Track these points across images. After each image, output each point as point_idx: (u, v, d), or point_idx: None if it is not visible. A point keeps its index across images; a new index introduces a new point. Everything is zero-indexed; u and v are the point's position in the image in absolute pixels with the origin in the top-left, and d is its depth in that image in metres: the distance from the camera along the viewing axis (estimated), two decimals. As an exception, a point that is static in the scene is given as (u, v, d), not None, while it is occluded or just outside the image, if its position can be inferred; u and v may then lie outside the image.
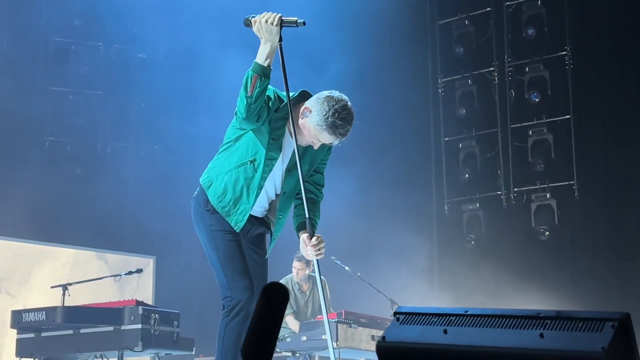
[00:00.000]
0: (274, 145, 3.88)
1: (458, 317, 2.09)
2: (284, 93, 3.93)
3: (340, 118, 3.76)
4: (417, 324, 2.12)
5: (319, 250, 3.92)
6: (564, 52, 9.20)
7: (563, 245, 9.02)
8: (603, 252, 8.74)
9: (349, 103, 3.84)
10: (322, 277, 7.62)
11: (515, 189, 9.41)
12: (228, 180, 3.95)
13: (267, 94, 3.82)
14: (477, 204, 9.62)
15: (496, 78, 9.64)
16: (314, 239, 3.90)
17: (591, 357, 1.90)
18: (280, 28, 3.70)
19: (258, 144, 3.88)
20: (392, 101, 10.01)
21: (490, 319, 2.06)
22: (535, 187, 9.24)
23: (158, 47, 9.80)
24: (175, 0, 9.56)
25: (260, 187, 3.92)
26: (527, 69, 9.38)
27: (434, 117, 10.16)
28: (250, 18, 3.76)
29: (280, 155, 3.92)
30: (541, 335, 1.98)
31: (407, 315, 2.15)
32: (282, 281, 7.74)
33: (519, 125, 9.43)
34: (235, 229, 3.94)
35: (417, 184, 9.98)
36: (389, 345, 2.11)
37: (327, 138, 3.83)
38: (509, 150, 9.50)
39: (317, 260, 3.98)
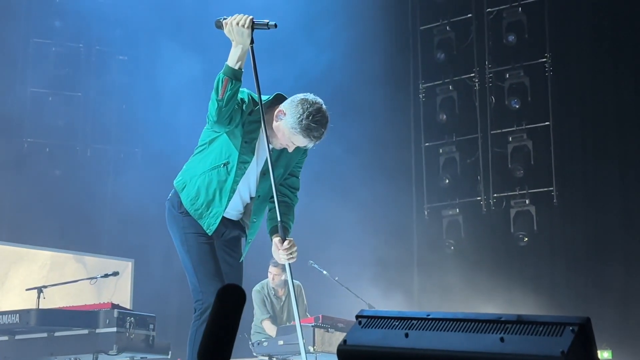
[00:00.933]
0: (247, 148, 3.84)
1: (419, 321, 2.09)
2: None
3: (314, 121, 3.74)
4: (378, 328, 2.12)
5: (291, 254, 3.89)
6: (544, 59, 9.24)
7: (542, 251, 9.05)
8: (581, 258, 8.77)
9: (324, 106, 3.81)
10: (297, 282, 7.64)
11: (495, 195, 9.43)
12: (201, 183, 3.93)
13: (241, 96, 3.80)
14: (457, 210, 9.64)
15: (477, 84, 9.67)
16: (285, 242, 3.88)
17: (551, 362, 1.90)
18: (252, 30, 3.66)
19: (231, 147, 3.85)
20: (373, 106, 10.02)
21: (451, 322, 2.06)
22: (514, 193, 9.26)
23: (139, 49, 9.77)
24: (156, 3, 9.52)
25: (232, 191, 3.90)
26: (507, 75, 9.42)
27: (415, 122, 10.17)
28: (221, 20, 3.72)
29: (254, 158, 3.89)
30: (502, 340, 1.99)
31: (369, 319, 2.14)
32: (257, 286, 7.72)
33: (499, 131, 9.46)
34: (207, 232, 3.92)
35: (397, 189, 9.98)
36: (350, 349, 2.10)
37: (301, 141, 3.81)
38: (489, 156, 9.52)
39: (289, 264, 3.96)
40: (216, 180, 3.90)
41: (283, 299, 7.77)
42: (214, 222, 3.91)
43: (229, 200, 3.91)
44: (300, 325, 3.95)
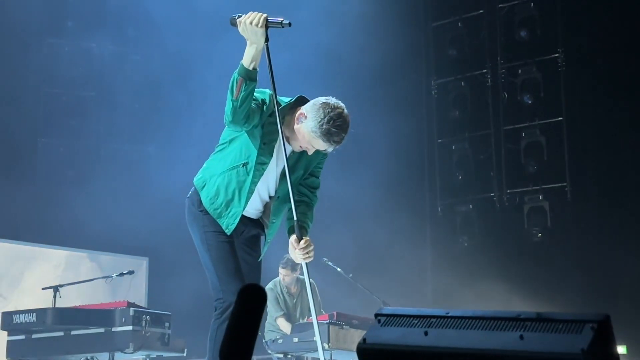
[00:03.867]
0: (265, 150, 3.82)
1: (439, 319, 2.09)
2: (283, 98, 3.89)
3: (335, 126, 3.71)
4: (398, 326, 2.13)
5: (307, 253, 3.88)
6: (556, 54, 9.21)
7: (555, 246, 9.03)
8: (595, 254, 8.74)
9: (345, 111, 3.78)
10: (311, 280, 7.66)
11: (508, 191, 9.41)
12: (220, 182, 3.92)
13: (262, 97, 3.77)
14: (470, 206, 9.62)
15: (489, 80, 9.65)
16: (302, 242, 3.85)
17: (570, 359, 1.90)
18: (266, 29, 3.62)
19: (251, 147, 3.83)
20: (385, 103, 10.01)
21: (470, 320, 2.06)
22: (528, 189, 9.24)
23: (152, 48, 9.78)
24: (169, 2, 9.54)
25: (251, 192, 3.88)
26: (519, 71, 9.39)
27: (428, 119, 10.17)
28: (235, 18, 3.67)
29: (274, 159, 3.87)
30: (521, 337, 1.99)
31: (388, 317, 2.15)
32: (270, 284, 7.74)
33: (512, 127, 9.44)
34: (226, 231, 3.91)
35: (411, 186, 9.98)
36: (370, 347, 2.11)
37: (321, 145, 3.78)
38: (502, 152, 9.51)
39: (307, 263, 3.95)
40: (235, 180, 3.88)
41: (295, 296, 7.79)
42: (233, 222, 3.90)
43: (247, 201, 3.90)
44: (317, 323, 3.96)
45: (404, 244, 9.52)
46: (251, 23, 3.60)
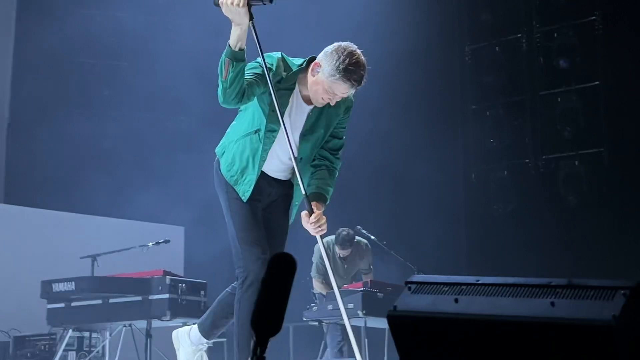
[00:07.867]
0: (274, 117, 3.81)
1: (469, 286, 2.09)
2: (295, 61, 3.90)
3: (351, 64, 3.71)
4: (428, 293, 2.13)
5: (319, 227, 3.88)
6: (593, 17, 9.05)
7: (591, 212, 8.95)
8: (632, 220, 8.65)
9: (358, 50, 3.80)
10: (365, 240, 7.83)
11: (544, 157, 9.33)
12: (236, 150, 3.96)
13: (270, 62, 3.77)
14: (505, 172, 9.56)
15: (524, 44, 9.52)
16: (312, 216, 3.85)
17: (602, 326, 1.89)
18: (249, 7, 3.58)
19: (262, 114, 3.87)
20: (419, 69, 9.93)
21: (501, 287, 2.06)
22: (563, 154, 9.15)
23: (186, 18, 9.76)
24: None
25: (262, 159, 3.90)
26: (555, 34, 9.25)
27: (461, 85, 10.08)
28: None
29: (287, 124, 3.83)
30: (552, 304, 1.97)
31: (419, 285, 2.15)
32: (324, 241, 7.72)
33: (548, 92, 9.33)
34: (242, 198, 3.93)
35: (445, 152, 9.93)
36: (400, 314, 2.12)
37: (342, 87, 3.77)
38: (538, 117, 9.41)
39: (320, 236, 3.95)
40: (249, 147, 3.91)
41: (347, 261, 7.83)
42: (248, 189, 3.92)
43: (260, 167, 3.92)
44: (340, 293, 4.03)
45: (438, 210, 9.49)
46: (232, 3, 3.55)
